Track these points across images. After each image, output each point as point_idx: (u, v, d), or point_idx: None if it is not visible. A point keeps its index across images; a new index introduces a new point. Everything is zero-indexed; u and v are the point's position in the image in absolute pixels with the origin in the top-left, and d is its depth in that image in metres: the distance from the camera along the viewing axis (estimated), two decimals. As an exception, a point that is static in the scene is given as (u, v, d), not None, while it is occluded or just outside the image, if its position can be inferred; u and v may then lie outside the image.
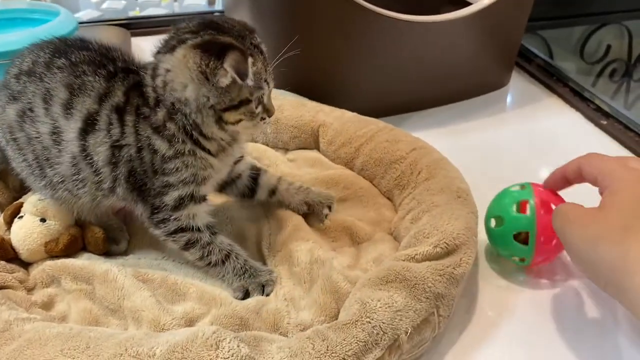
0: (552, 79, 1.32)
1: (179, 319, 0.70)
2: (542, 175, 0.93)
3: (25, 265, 0.80)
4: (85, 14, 1.69)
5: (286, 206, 0.86)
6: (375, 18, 1.07)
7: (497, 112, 1.23)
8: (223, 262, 0.75)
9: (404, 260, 0.71)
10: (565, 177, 0.74)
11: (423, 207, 0.81)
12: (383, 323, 0.62)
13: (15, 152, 0.77)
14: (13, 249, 0.79)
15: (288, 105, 1.06)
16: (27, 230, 0.78)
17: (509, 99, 1.30)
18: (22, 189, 0.85)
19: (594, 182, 0.69)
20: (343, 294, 0.71)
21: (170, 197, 0.71)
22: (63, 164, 0.73)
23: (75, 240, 0.80)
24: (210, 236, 0.75)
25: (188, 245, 0.75)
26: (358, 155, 0.98)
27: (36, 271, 0.78)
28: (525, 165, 1.06)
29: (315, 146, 1.04)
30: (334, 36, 1.08)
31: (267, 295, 0.74)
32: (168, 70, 0.67)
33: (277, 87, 1.10)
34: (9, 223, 0.81)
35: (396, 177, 0.92)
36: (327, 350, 0.59)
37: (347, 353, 0.59)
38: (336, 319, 0.68)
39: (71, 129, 0.70)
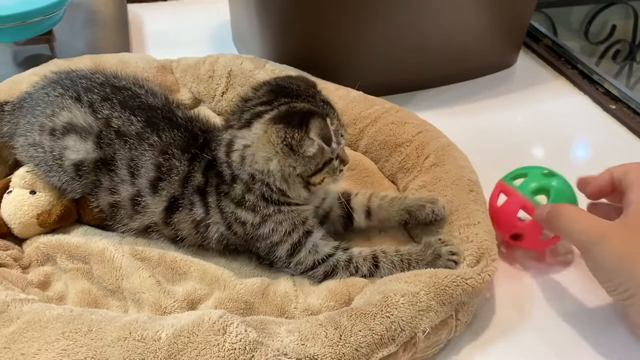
0: (560, 60, 1.29)
1: (181, 301, 0.67)
2: (545, 159, 0.91)
3: (20, 242, 0.77)
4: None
5: (387, 223, 0.78)
6: None
7: (503, 93, 1.20)
8: (377, 267, 0.70)
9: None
10: (609, 184, 0.71)
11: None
12: (402, 320, 0.60)
13: (56, 168, 0.75)
14: (6, 224, 0.76)
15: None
16: (16, 204, 0.75)
17: (515, 80, 1.26)
18: (17, 165, 0.82)
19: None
20: (358, 281, 0.69)
21: (282, 251, 0.70)
22: (135, 221, 0.73)
23: (69, 211, 0.77)
24: (343, 253, 0.71)
25: (330, 276, 0.70)
26: (362, 137, 0.95)
27: (30, 249, 0.75)
28: (530, 149, 1.04)
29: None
30: (337, 7, 1.03)
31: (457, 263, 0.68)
32: (247, 146, 0.66)
33: (279, 62, 1.08)
34: (-2, 199, 0.77)
35: (401, 160, 0.89)
36: (340, 339, 0.57)
37: (360, 344, 0.57)
38: (347, 306, 0.66)
39: (156, 204, 0.71)
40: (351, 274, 0.70)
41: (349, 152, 0.93)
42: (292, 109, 0.65)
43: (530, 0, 1.21)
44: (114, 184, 0.72)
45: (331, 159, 0.68)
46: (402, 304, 0.61)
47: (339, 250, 0.71)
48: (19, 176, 0.77)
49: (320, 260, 0.70)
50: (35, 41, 1.16)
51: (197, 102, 1.06)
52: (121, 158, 0.71)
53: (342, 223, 0.78)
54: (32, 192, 0.76)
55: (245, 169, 0.67)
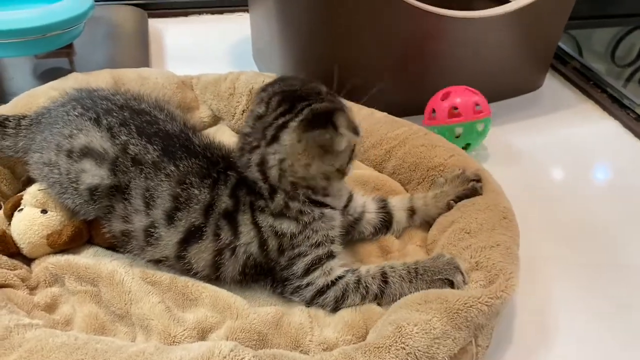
0: (588, 84, 1.25)
1: (191, 330, 0.64)
2: (571, 184, 0.87)
3: (29, 262, 0.75)
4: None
5: (430, 219, 0.80)
6: (407, 10, 1.00)
7: (530, 117, 1.17)
8: (386, 282, 0.68)
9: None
10: None
11: (465, 223, 0.75)
12: (419, 350, 0.56)
13: (71, 190, 0.72)
14: (15, 244, 0.73)
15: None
16: (27, 223, 0.73)
17: (542, 102, 1.23)
18: (30, 182, 0.79)
19: None
20: (374, 312, 0.66)
21: (300, 265, 0.68)
22: (146, 253, 0.70)
23: (80, 232, 0.74)
24: (352, 274, 0.69)
25: (341, 301, 0.68)
26: (389, 158, 0.92)
27: (39, 269, 0.73)
28: (556, 174, 1.00)
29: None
30: (363, 27, 1.01)
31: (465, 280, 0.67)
32: (283, 160, 0.66)
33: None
34: (9, 216, 0.75)
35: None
36: (356, 376, 0.53)
37: (377, 380, 0.54)
38: (364, 339, 0.62)
39: (171, 236, 0.68)
40: (362, 296, 0.68)
41: (372, 172, 0.92)
42: (314, 111, 0.65)
43: (559, 22, 1.18)
44: (128, 213, 0.69)
45: (355, 145, 0.69)
46: (417, 333, 0.58)
47: (349, 272, 0.69)
48: (31, 194, 0.75)
49: (330, 283, 0.68)
50: (55, 54, 1.15)
51: (216, 119, 1.04)
52: (136, 187, 0.69)
53: (378, 228, 0.79)
54: (44, 211, 0.74)
55: (286, 180, 0.67)
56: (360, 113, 0.97)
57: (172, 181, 0.68)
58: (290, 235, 0.68)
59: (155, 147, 0.70)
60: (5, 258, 0.72)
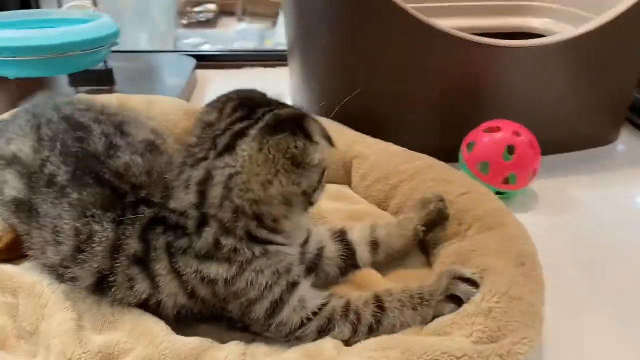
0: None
1: (94, 354, 0.54)
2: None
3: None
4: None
5: (396, 253, 0.68)
6: (447, 40, 0.89)
7: (599, 171, 0.99)
8: (383, 309, 0.55)
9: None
10: None
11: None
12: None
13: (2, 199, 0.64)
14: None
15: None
16: (-33, 227, 0.67)
17: (615, 158, 1.05)
18: None
19: None
20: (324, 355, 0.53)
21: (259, 311, 0.55)
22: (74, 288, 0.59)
23: (20, 242, 0.65)
24: (340, 299, 0.56)
25: (326, 332, 0.55)
26: (394, 195, 0.79)
27: (-28, 277, 0.66)
28: (622, 236, 0.81)
29: (347, 181, 0.86)
30: (397, 58, 0.91)
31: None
32: (234, 175, 0.52)
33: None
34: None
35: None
36: None
37: None
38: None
39: (85, 279, 0.57)
40: (353, 325, 0.55)
41: (374, 209, 0.80)
42: (278, 117, 0.53)
43: (632, 76, 1.02)
44: (42, 243, 0.60)
45: (325, 169, 0.56)
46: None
47: (334, 297, 0.56)
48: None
49: (311, 316, 0.55)
50: (97, 91, 1.15)
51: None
52: (45, 214, 0.59)
53: (340, 266, 0.65)
54: (-12, 219, 0.68)
55: (229, 204, 0.52)
56: (374, 146, 0.86)
57: (74, 212, 0.57)
58: (225, 282, 0.53)
59: (67, 168, 0.60)
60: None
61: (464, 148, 0.87)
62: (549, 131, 0.98)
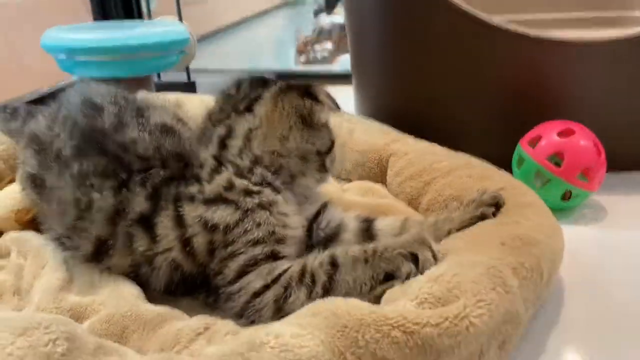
0: None
1: (65, 310, 0.55)
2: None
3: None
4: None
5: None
6: (509, 39, 0.82)
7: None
8: (335, 266, 0.53)
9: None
10: None
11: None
12: None
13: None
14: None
15: (360, 129, 0.86)
16: (2, 196, 0.73)
17: None
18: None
19: None
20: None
21: (231, 268, 0.55)
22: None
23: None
24: (297, 265, 0.54)
25: (283, 301, 0.52)
26: (426, 192, 0.73)
27: (2, 241, 0.70)
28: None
29: (382, 179, 0.81)
30: (456, 59, 0.87)
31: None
32: (253, 129, 0.58)
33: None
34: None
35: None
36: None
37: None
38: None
39: (84, 246, 0.59)
40: (308, 289, 0.52)
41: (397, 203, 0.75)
42: (289, 83, 0.61)
43: None
44: (50, 216, 0.62)
45: (333, 143, 0.61)
46: (272, 349, 0.39)
47: (293, 265, 0.54)
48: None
49: (271, 282, 0.53)
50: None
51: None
52: (51, 187, 0.61)
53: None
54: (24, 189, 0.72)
55: (248, 153, 0.58)
56: (415, 145, 0.81)
57: (74, 183, 0.59)
58: (224, 228, 0.54)
59: (72, 142, 0.61)
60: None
61: (523, 144, 0.79)
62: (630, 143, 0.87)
